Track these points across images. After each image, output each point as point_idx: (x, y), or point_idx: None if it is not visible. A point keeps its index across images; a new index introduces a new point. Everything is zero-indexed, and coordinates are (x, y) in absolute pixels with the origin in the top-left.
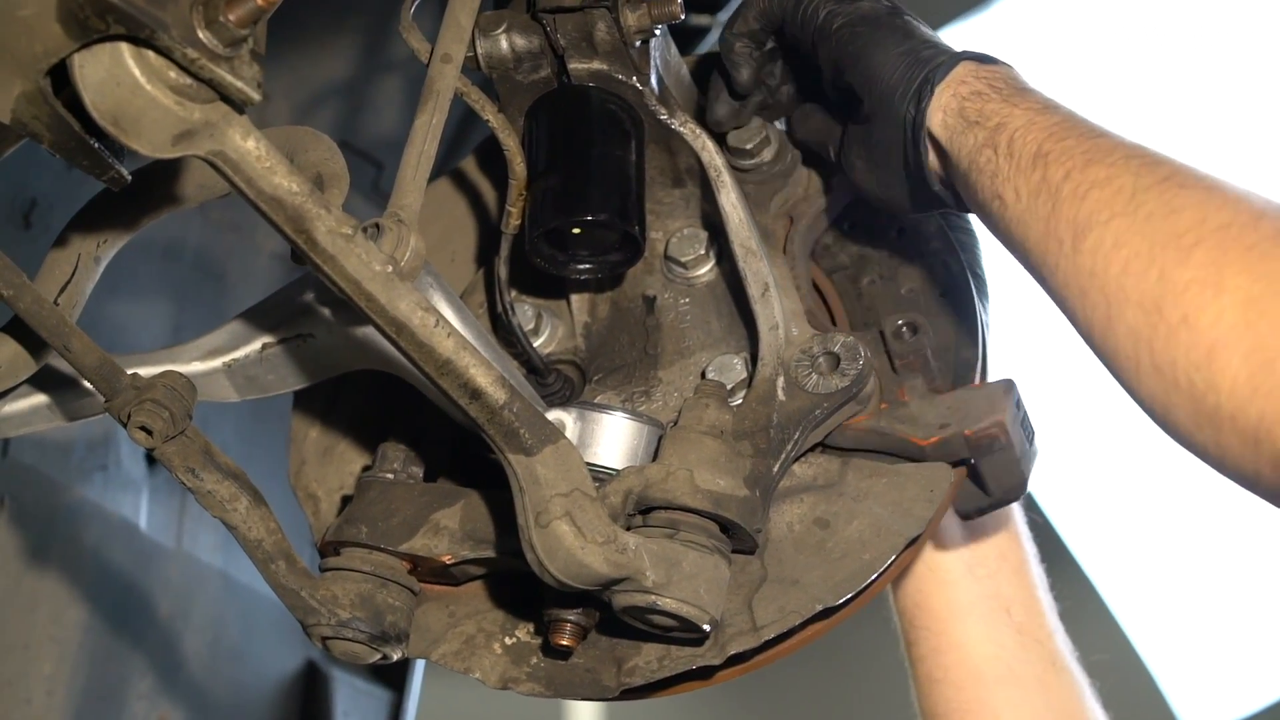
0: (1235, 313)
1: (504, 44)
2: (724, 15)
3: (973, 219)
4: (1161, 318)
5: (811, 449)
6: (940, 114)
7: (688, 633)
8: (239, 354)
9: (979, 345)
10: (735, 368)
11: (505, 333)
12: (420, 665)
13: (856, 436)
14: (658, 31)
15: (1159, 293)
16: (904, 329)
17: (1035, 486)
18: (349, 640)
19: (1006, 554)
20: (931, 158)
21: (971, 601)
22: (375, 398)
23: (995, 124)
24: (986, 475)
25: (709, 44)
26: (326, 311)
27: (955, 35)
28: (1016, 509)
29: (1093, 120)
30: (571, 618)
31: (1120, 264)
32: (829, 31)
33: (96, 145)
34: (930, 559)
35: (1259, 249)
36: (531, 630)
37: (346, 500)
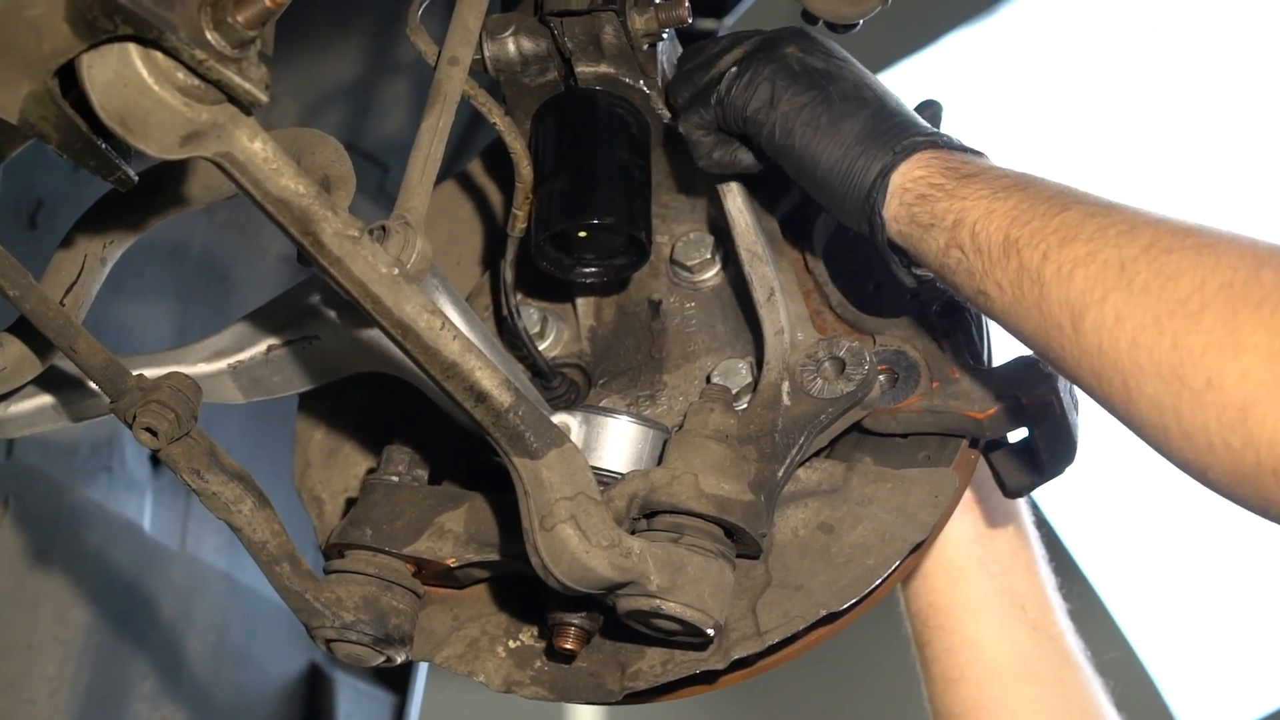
0: (1261, 370)
1: (511, 47)
2: (731, 19)
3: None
4: (1184, 385)
5: (816, 454)
6: (895, 224)
7: (692, 637)
8: (244, 356)
9: None
10: (740, 372)
11: (511, 336)
12: (424, 668)
13: (909, 419)
14: (665, 35)
15: (1176, 361)
16: (947, 306)
17: (1036, 491)
18: (353, 643)
19: (1018, 551)
20: (903, 268)
21: (986, 599)
22: (380, 400)
23: (952, 222)
24: (1042, 444)
25: None
26: (332, 314)
27: (962, 41)
28: (1024, 508)
29: (1045, 183)
30: (575, 621)
31: (1128, 338)
32: (765, 144)
33: (103, 146)
34: (943, 557)
35: (1269, 303)
36: (535, 634)
37: (351, 503)
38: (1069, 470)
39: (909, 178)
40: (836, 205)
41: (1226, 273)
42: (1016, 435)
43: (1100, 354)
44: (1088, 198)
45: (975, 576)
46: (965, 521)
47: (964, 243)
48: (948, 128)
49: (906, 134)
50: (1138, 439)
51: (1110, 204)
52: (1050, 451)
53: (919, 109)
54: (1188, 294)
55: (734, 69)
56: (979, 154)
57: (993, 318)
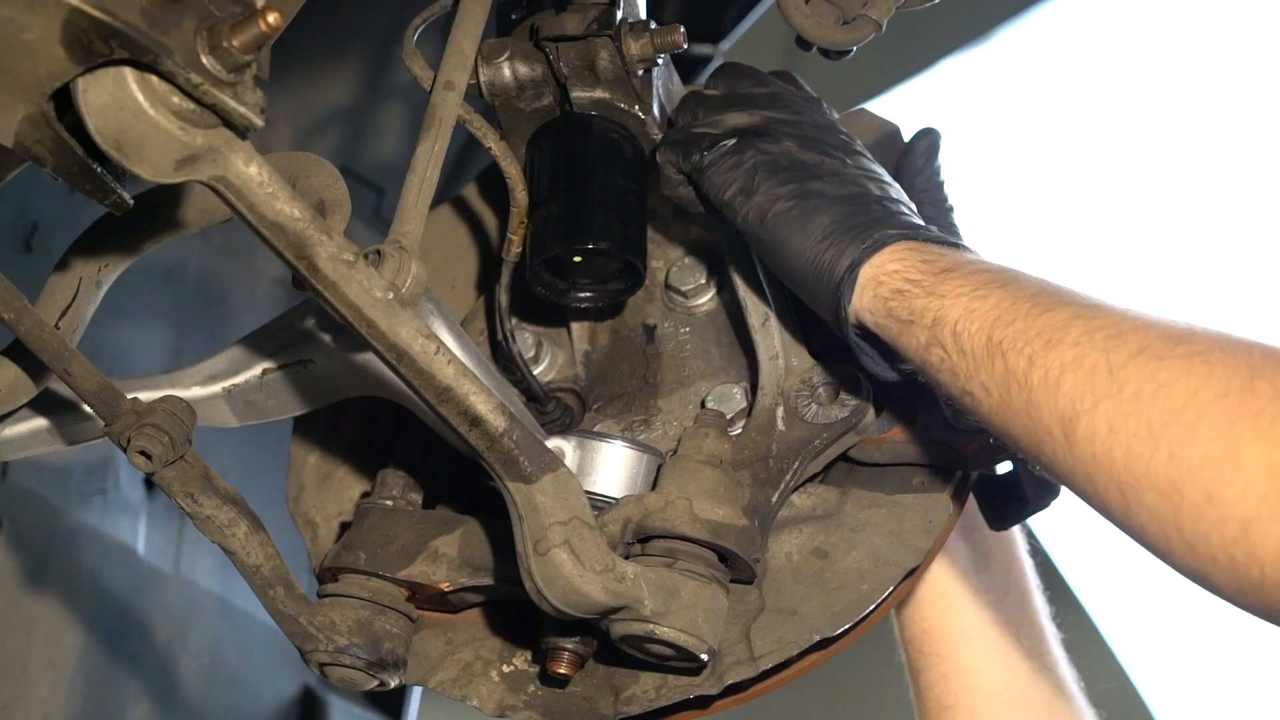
0: (1262, 484)
1: (507, 72)
2: (727, 44)
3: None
4: (1183, 499)
5: (811, 478)
6: (870, 316)
7: (685, 662)
8: (239, 379)
9: None
10: (735, 397)
11: (505, 360)
12: (417, 692)
13: (894, 450)
14: (660, 61)
15: (1174, 475)
16: None
17: (1032, 520)
18: (346, 667)
19: (1013, 580)
20: (877, 360)
21: (981, 626)
22: (375, 424)
23: (931, 320)
24: (1026, 478)
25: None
26: (327, 337)
27: (956, 67)
28: (1019, 538)
29: (1025, 279)
30: (569, 646)
31: (1123, 449)
32: (740, 230)
33: (99, 169)
34: (938, 584)
35: (1266, 414)
36: (529, 658)
37: (345, 526)
38: (1054, 504)
39: (883, 270)
40: (809, 297)
41: (1221, 382)
42: (1003, 468)
43: (1094, 463)
44: (1070, 296)
45: (970, 604)
46: (961, 549)
47: (946, 343)
48: (945, 155)
49: (880, 227)
50: (1138, 544)
51: (1094, 304)
52: (1034, 486)
53: (916, 137)
54: (1181, 403)
55: (726, 143)
56: (959, 246)
57: (979, 419)
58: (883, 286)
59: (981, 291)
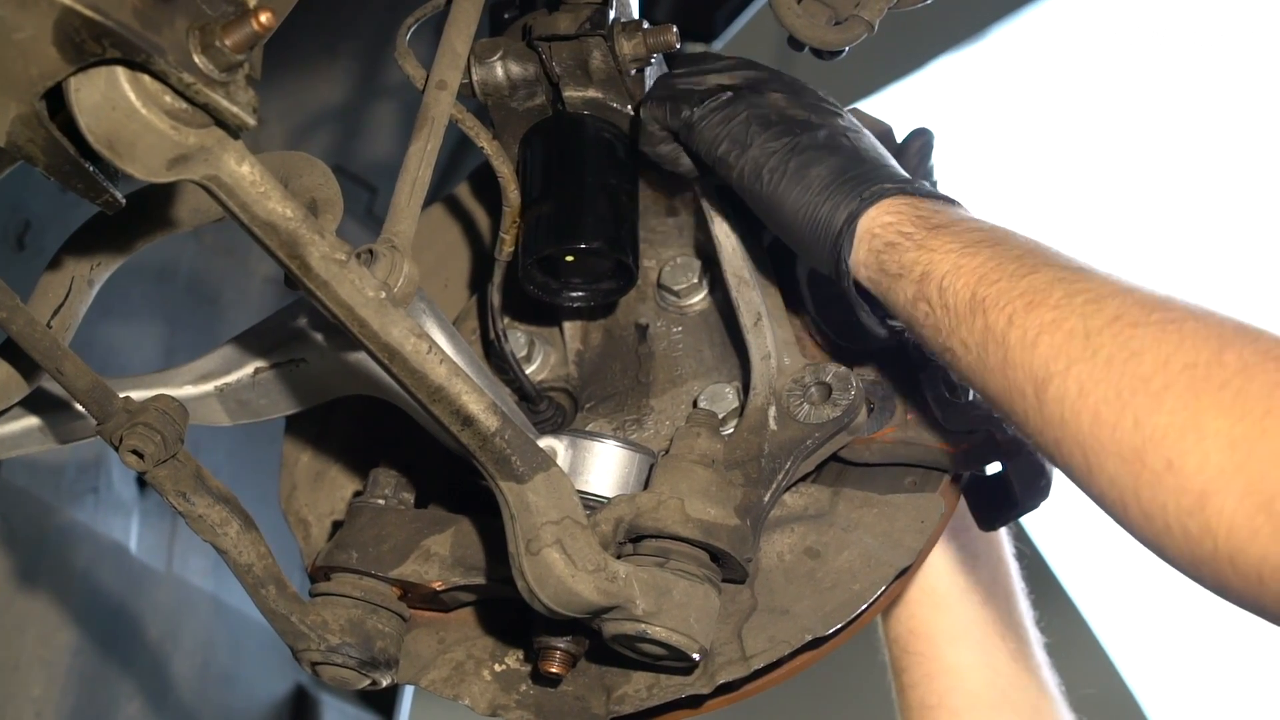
0: (1221, 456)
1: (499, 71)
2: (719, 44)
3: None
4: (1144, 465)
5: (803, 479)
6: (863, 270)
7: (677, 661)
8: (231, 378)
9: None
10: (727, 397)
11: (498, 360)
12: (409, 691)
13: (884, 450)
14: (653, 60)
15: (1138, 441)
16: None
17: (1025, 519)
18: (338, 666)
19: (999, 582)
20: (871, 315)
21: (966, 627)
22: (367, 423)
23: (920, 274)
24: (1015, 479)
25: None
26: (319, 337)
27: (949, 66)
28: (1006, 540)
29: (1015, 239)
30: (561, 645)
31: (1090, 413)
32: (734, 185)
33: (91, 169)
34: (924, 584)
35: (1231, 386)
36: (521, 657)
37: (337, 526)
38: (1042, 505)
39: (877, 223)
40: (805, 250)
41: (1190, 352)
42: (993, 469)
43: (1062, 425)
44: (1057, 259)
45: (956, 605)
46: (948, 549)
47: (931, 297)
48: (939, 155)
49: (876, 180)
50: (1097, 508)
51: (1079, 268)
52: (1023, 487)
53: (910, 137)
54: (1151, 371)
55: (715, 97)
56: (952, 202)
57: (957, 375)
58: (876, 239)
59: (971, 249)
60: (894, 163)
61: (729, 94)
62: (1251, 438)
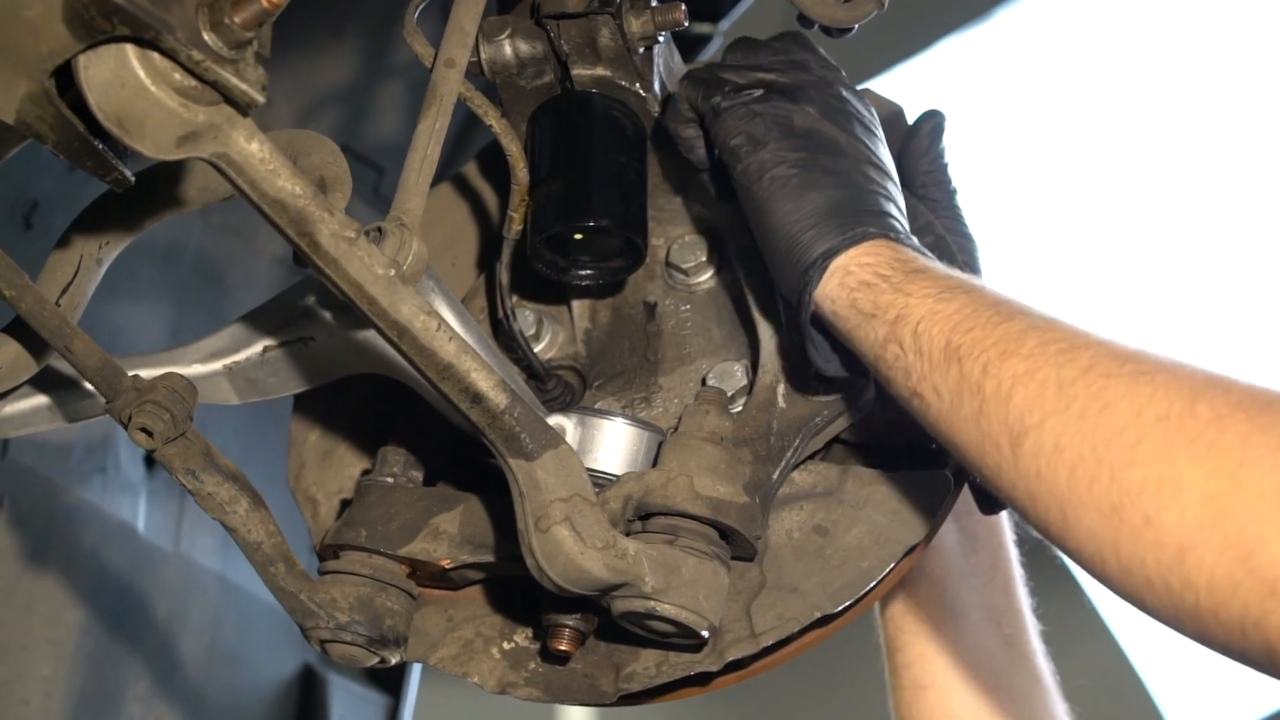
0: (1198, 510)
1: (508, 49)
2: (726, 24)
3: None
4: (1122, 520)
5: (811, 456)
6: (829, 304)
7: (686, 639)
8: (240, 357)
9: None
10: (736, 375)
11: (506, 338)
12: (417, 670)
13: (888, 431)
14: (661, 38)
15: (1114, 496)
16: None
17: None
18: (347, 643)
19: (998, 566)
20: (822, 350)
21: (964, 609)
22: (375, 402)
23: (894, 316)
24: None
25: (712, 51)
26: (328, 315)
27: (957, 45)
28: (1007, 526)
29: (992, 293)
30: (570, 623)
31: (1067, 469)
32: (735, 177)
33: (100, 146)
34: (923, 565)
35: (1204, 439)
36: (530, 635)
37: (346, 504)
38: None
39: (856, 262)
40: (775, 267)
41: (1163, 404)
42: None
43: (1039, 479)
44: (1028, 310)
45: (956, 586)
46: (949, 531)
47: (904, 340)
48: (949, 137)
49: (866, 222)
50: (1074, 563)
51: (1050, 320)
52: None
53: (921, 119)
54: (1124, 424)
55: (749, 92)
56: (930, 255)
57: (924, 422)
58: (851, 276)
59: (947, 295)
60: (897, 207)
61: (763, 91)
62: (1227, 491)
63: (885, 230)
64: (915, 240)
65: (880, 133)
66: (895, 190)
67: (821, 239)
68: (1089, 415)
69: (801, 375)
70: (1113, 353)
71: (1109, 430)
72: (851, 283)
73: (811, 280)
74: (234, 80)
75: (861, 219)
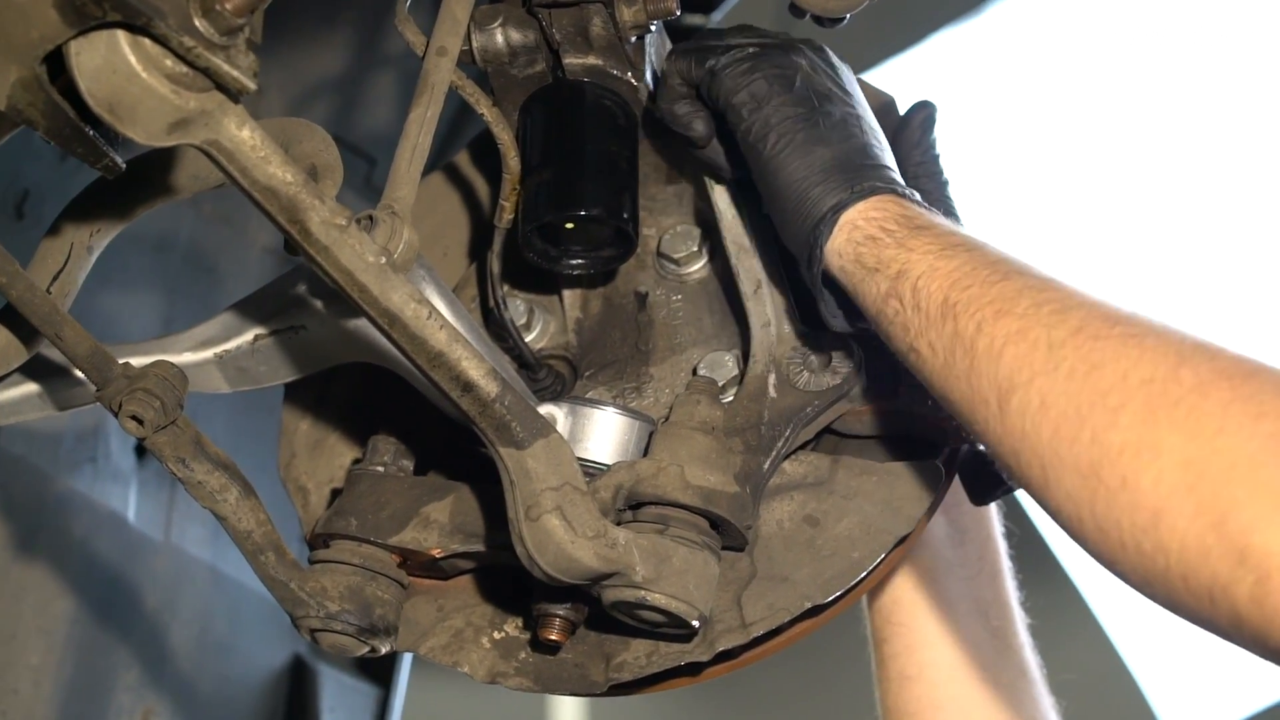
0: (1175, 475)
1: (499, 38)
2: (718, 15)
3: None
4: (1100, 481)
5: (802, 446)
6: (837, 259)
7: (676, 629)
8: (231, 345)
9: None
10: (727, 364)
11: (497, 327)
12: (407, 661)
13: (879, 422)
14: (653, 27)
15: (1094, 457)
16: None
17: (1021, 495)
18: (337, 633)
19: (987, 559)
20: (829, 305)
21: (952, 600)
22: (366, 391)
23: (896, 271)
24: None
25: None
26: (319, 303)
27: (949, 39)
28: (996, 519)
29: (993, 251)
30: (560, 612)
31: (1050, 427)
32: (739, 138)
33: (91, 133)
34: (912, 555)
35: (1185, 404)
36: (520, 625)
37: (336, 493)
38: None
39: (863, 216)
40: (784, 225)
41: (1148, 368)
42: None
43: (1023, 437)
44: (1026, 270)
45: (943, 578)
46: (938, 523)
47: (904, 295)
48: (940, 128)
49: (873, 176)
50: (1052, 520)
51: (1047, 280)
52: None
53: (913, 110)
54: (1109, 386)
55: (746, 49)
56: (935, 211)
57: (920, 377)
58: (858, 231)
59: (948, 251)
60: (894, 164)
61: (755, 48)
62: (1204, 456)
63: (890, 184)
64: (918, 195)
65: (861, 94)
66: (887, 148)
67: (830, 193)
68: (1076, 376)
69: (814, 338)
70: (1105, 315)
71: (1094, 391)
72: (858, 237)
73: (821, 235)
74: (225, 67)
75: (866, 173)
